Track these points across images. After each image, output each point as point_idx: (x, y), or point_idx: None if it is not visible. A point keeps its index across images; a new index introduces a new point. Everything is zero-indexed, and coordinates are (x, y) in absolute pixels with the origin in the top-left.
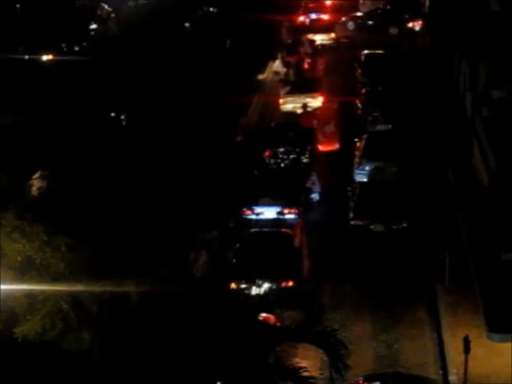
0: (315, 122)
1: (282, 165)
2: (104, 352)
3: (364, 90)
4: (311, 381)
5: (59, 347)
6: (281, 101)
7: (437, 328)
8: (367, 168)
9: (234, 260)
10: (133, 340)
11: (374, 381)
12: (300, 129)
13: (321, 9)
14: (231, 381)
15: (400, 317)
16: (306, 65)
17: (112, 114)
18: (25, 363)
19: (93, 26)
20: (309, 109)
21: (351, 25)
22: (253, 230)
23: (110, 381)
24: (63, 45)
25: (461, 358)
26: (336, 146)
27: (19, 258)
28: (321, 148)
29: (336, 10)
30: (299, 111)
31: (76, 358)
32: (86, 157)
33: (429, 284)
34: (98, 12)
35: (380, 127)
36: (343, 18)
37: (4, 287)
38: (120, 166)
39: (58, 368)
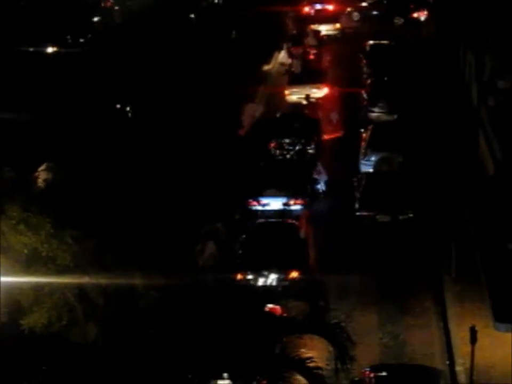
0: (319, 112)
1: (288, 156)
2: (109, 345)
3: (369, 81)
4: (317, 372)
5: (65, 339)
6: (286, 91)
7: (443, 318)
8: (372, 158)
9: (240, 251)
10: (138, 332)
11: (381, 371)
12: (305, 119)
13: None
14: (237, 372)
15: (406, 307)
16: (311, 56)
17: (118, 106)
18: (31, 355)
19: (97, 18)
20: (312, 100)
21: (356, 15)
22: (259, 221)
23: (115, 373)
24: (68, 37)
25: (468, 348)
26: (340, 133)
27: (25, 251)
28: (326, 135)
29: (341, 0)
30: (304, 102)
31: (81, 350)
32: (91, 149)
33: (435, 274)
34: (102, 5)
35: (386, 118)
36: (348, 9)
37: (10, 279)
38: (126, 157)
39: (64, 360)
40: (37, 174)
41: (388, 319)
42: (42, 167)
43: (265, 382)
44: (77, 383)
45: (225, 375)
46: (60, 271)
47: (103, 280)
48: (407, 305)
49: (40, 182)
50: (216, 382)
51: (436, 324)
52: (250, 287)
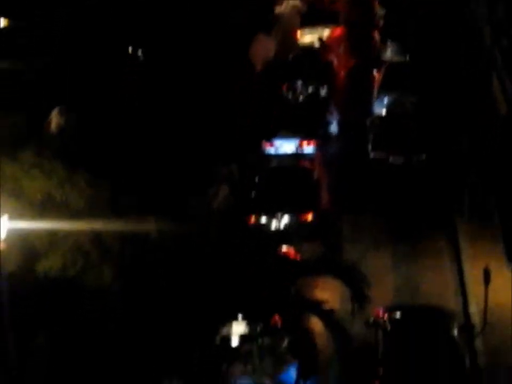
0: (330, 50)
1: (300, 98)
2: (124, 289)
3: (381, 22)
4: (331, 313)
5: (80, 284)
6: (298, 33)
7: (457, 259)
8: (385, 100)
9: (253, 194)
10: (153, 275)
11: (395, 313)
12: (318, 61)
13: None
14: (252, 314)
15: (420, 249)
16: None
17: (130, 49)
18: (46, 300)
19: None
20: (324, 41)
21: None
22: (272, 163)
23: (130, 317)
24: None
25: (481, 288)
26: (350, 64)
27: (39, 195)
28: (336, 67)
29: None
30: (317, 44)
31: (96, 294)
32: (104, 92)
33: (449, 215)
34: None
35: (398, 59)
36: None
37: (24, 224)
38: (139, 100)
39: (79, 304)
40: (49, 119)
41: (401, 260)
42: (55, 112)
43: (280, 323)
44: (91, 329)
45: (240, 316)
46: (74, 216)
47: (117, 225)
48: (421, 246)
49: (52, 126)
50: (232, 324)
51: (450, 265)
52: (264, 230)
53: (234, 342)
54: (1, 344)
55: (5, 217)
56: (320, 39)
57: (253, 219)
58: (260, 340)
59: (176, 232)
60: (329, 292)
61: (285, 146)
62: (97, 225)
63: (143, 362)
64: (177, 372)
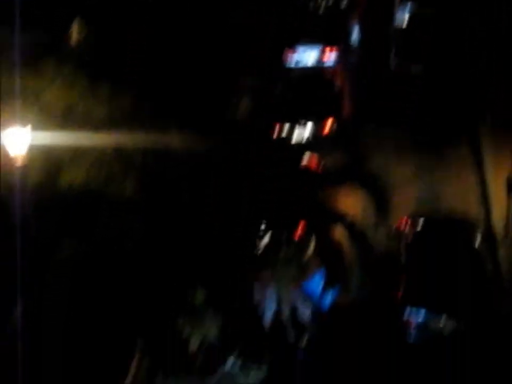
0: None
1: (322, 5)
2: (147, 200)
3: None
4: (354, 223)
5: (103, 196)
6: None
7: (480, 167)
8: (407, 9)
9: (276, 104)
10: (176, 188)
11: (417, 222)
12: None
13: None
14: (276, 224)
15: (442, 158)
16: None
17: None
18: (69, 213)
19: None
20: None
21: None
22: (294, 72)
23: (152, 231)
24: None
25: (504, 198)
26: None
27: (60, 108)
28: None
29: None
30: None
31: (118, 206)
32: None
33: (472, 123)
34: None
35: None
36: None
37: (46, 136)
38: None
39: (101, 216)
40: (70, 30)
41: (423, 169)
42: (75, 23)
43: (304, 232)
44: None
45: (264, 226)
46: (96, 128)
47: (140, 137)
48: (443, 155)
49: (73, 38)
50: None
51: (473, 174)
52: (286, 139)
53: (259, 251)
54: (25, 257)
55: (26, 130)
56: None
57: (275, 129)
58: (284, 249)
59: (200, 146)
60: (351, 202)
61: (307, 55)
62: (119, 137)
63: (166, 274)
64: (201, 283)
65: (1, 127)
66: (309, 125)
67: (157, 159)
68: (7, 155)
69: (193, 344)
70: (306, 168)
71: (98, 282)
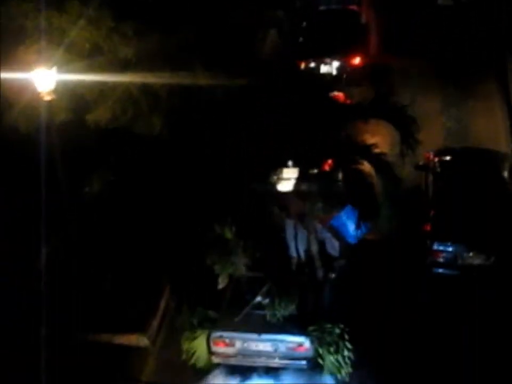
0: None
1: None
2: (174, 137)
3: None
4: (381, 157)
5: (130, 133)
6: None
7: (508, 101)
8: None
9: (302, 39)
10: (202, 126)
11: (445, 155)
12: None
13: None
14: (303, 160)
15: (470, 91)
16: None
17: None
18: (98, 150)
19: None
20: None
21: None
22: (320, 8)
23: (179, 169)
24: None
25: None
26: None
27: (87, 46)
28: None
29: None
30: None
31: (146, 143)
32: None
33: (499, 56)
34: None
35: None
36: None
37: (73, 75)
38: None
39: (129, 154)
40: None
41: (451, 103)
42: None
43: (332, 166)
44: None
45: (290, 163)
46: (123, 66)
47: (166, 74)
48: (471, 89)
49: None
50: (282, 171)
51: (500, 107)
52: (314, 75)
53: (285, 187)
54: (55, 196)
55: (53, 69)
56: None
57: (302, 64)
58: (310, 185)
59: (225, 83)
60: (379, 136)
61: None
62: (146, 75)
63: (194, 210)
64: (229, 217)
65: (28, 67)
66: (336, 61)
67: (183, 97)
68: (34, 93)
69: (223, 279)
70: (334, 101)
71: (125, 218)
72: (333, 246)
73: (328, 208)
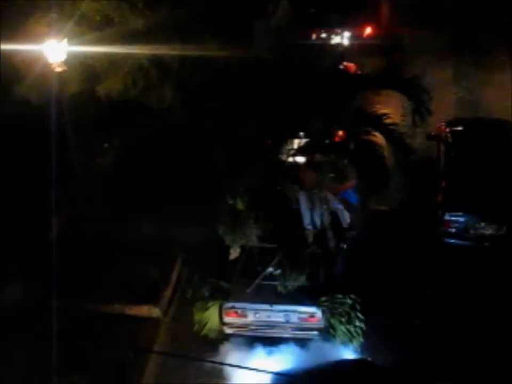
0: None
1: None
2: (184, 109)
3: None
4: (393, 127)
5: (141, 105)
6: None
7: None
8: None
9: (313, 9)
10: (213, 95)
11: (456, 125)
12: None
13: None
14: (314, 130)
15: (482, 62)
16: None
17: None
18: (109, 121)
19: None
20: None
21: None
22: None
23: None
24: None
25: None
26: None
27: (98, 18)
28: None
29: None
30: None
31: (157, 115)
32: None
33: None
34: None
35: None
36: None
37: (84, 47)
38: None
39: (139, 125)
40: None
41: (463, 74)
42: None
43: (344, 137)
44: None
45: (301, 134)
46: (133, 37)
47: (176, 45)
48: (482, 60)
49: None
50: (293, 142)
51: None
52: (324, 46)
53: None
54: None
55: (64, 41)
56: None
57: (314, 34)
58: (324, 154)
59: (235, 53)
60: (391, 107)
61: None
62: (156, 46)
63: (204, 182)
64: (241, 188)
65: (39, 39)
66: (347, 31)
67: (194, 68)
68: (46, 64)
69: (234, 250)
70: (345, 71)
71: (137, 188)
72: (345, 217)
73: (340, 178)
